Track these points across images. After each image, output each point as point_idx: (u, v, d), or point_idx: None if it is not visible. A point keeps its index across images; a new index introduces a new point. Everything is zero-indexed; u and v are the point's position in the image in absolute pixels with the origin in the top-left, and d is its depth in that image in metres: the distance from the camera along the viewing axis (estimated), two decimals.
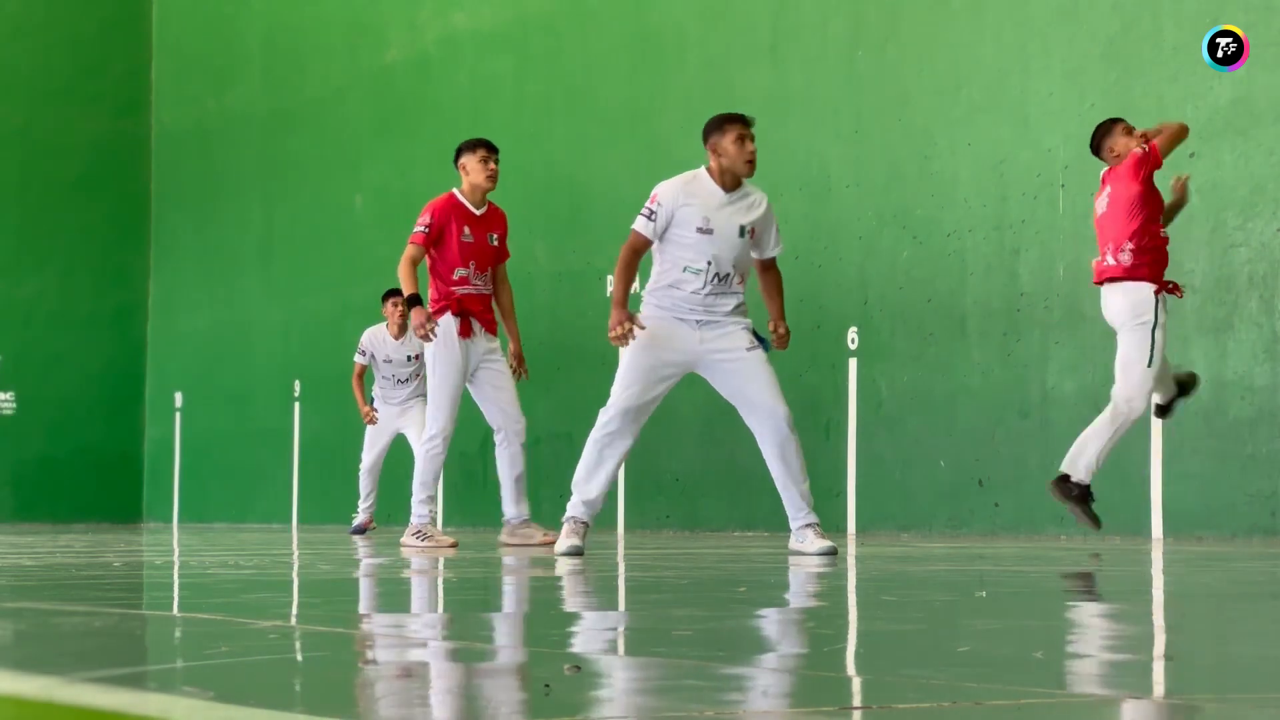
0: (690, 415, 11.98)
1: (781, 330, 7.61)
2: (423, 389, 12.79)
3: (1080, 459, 8.28)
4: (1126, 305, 8.20)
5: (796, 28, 12.00)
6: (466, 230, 8.97)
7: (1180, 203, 8.65)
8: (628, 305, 7.48)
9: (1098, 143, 8.54)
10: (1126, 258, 8.19)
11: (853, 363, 11.45)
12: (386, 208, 15.93)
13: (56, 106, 19.28)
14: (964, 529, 10.53)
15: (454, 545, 8.90)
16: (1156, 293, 8.19)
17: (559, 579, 5.87)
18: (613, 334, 7.41)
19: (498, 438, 9.17)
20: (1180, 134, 8.42)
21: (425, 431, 9.09)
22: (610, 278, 11.36)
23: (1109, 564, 6.94)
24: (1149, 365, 8.16)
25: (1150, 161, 8.23)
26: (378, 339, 12.64)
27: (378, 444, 12.84)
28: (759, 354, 7.48)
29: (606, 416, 7.50)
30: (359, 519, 12.99)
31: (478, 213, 9.02)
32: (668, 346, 7.43)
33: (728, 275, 7.43)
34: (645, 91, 13.09)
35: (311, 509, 16.56)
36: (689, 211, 7.39)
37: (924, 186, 11.08)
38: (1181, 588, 5.58)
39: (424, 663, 3.12)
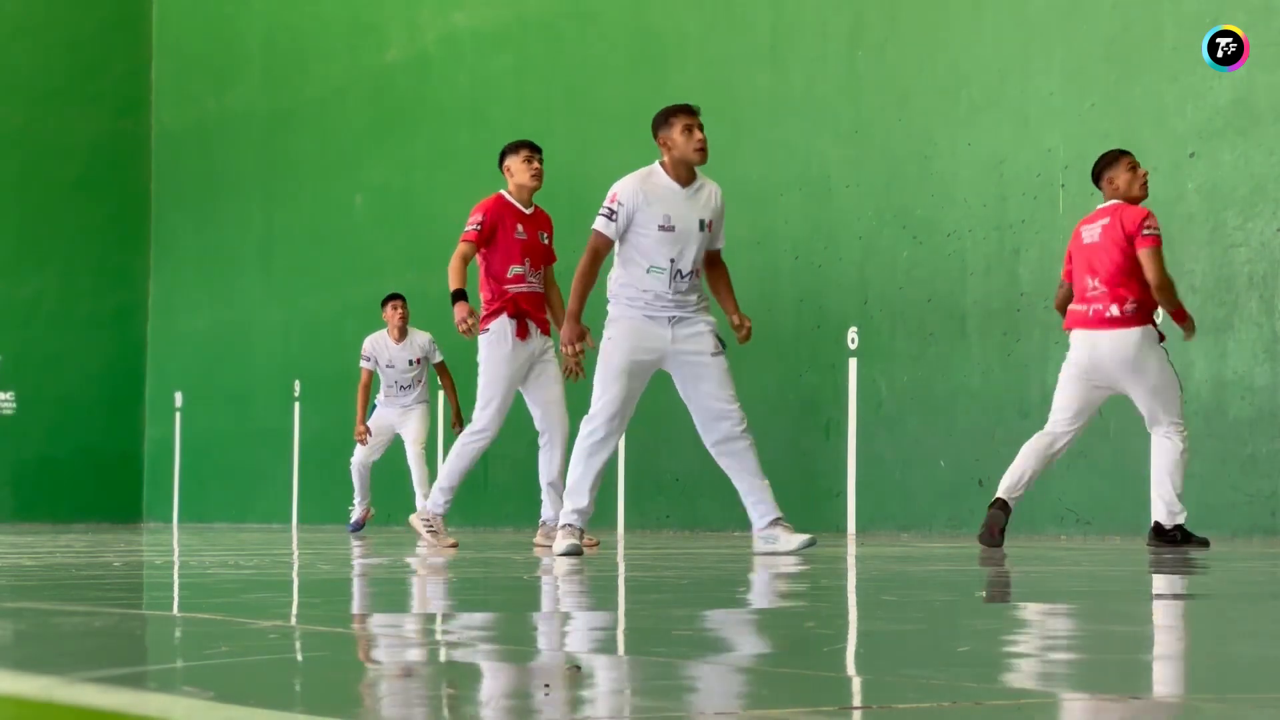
0: (690, 415, 11.96)
1: (747, 324, 7.62)
2: (425, 395, 12.78)
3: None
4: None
5: (796, 28, 12.00)
6: (519, 228, 8.91)
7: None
8: (582, 318, 7.45)
9: (1099, 172, 8.39)
10: (1130, 308, 8.13)
11: (853, 363, 11.44)
12: (386, 208, 15.94)
13: (56, 106, 19.29)
14: (964, 529, 10.53)
15: (454, 546, 8.86)
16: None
17: (559, 579, 5.87)
18: (565, 351, 7.44)
19: (541, 440, 9.06)
20: (1168, 305, 8.20)
21: (470, 426, 8.95)
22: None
23: (1109, 564, 6.94)
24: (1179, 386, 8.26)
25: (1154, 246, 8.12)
26: (379, 344, 12.60)
27: (374, 444, 12.80)
28: (722, 359, 7.48)
29: (592, 425, 7.41)
30: (356, 514, 12.92)
31: (527, 212, 8.98)
32: (641, 346, 7.39)
33: (690, 271, 7.42)
34: (645, 91, 13.08)
35: (311, 509, 16.56)
36: (650, 210, 7.34)
37: (924, 186, 11.07)
38: (1181, 588, 5.58)
39: (424, 663, 3.12)
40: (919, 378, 11.07)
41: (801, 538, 7.49)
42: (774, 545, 7.46)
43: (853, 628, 3.91)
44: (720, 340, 7.52)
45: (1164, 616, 4.31)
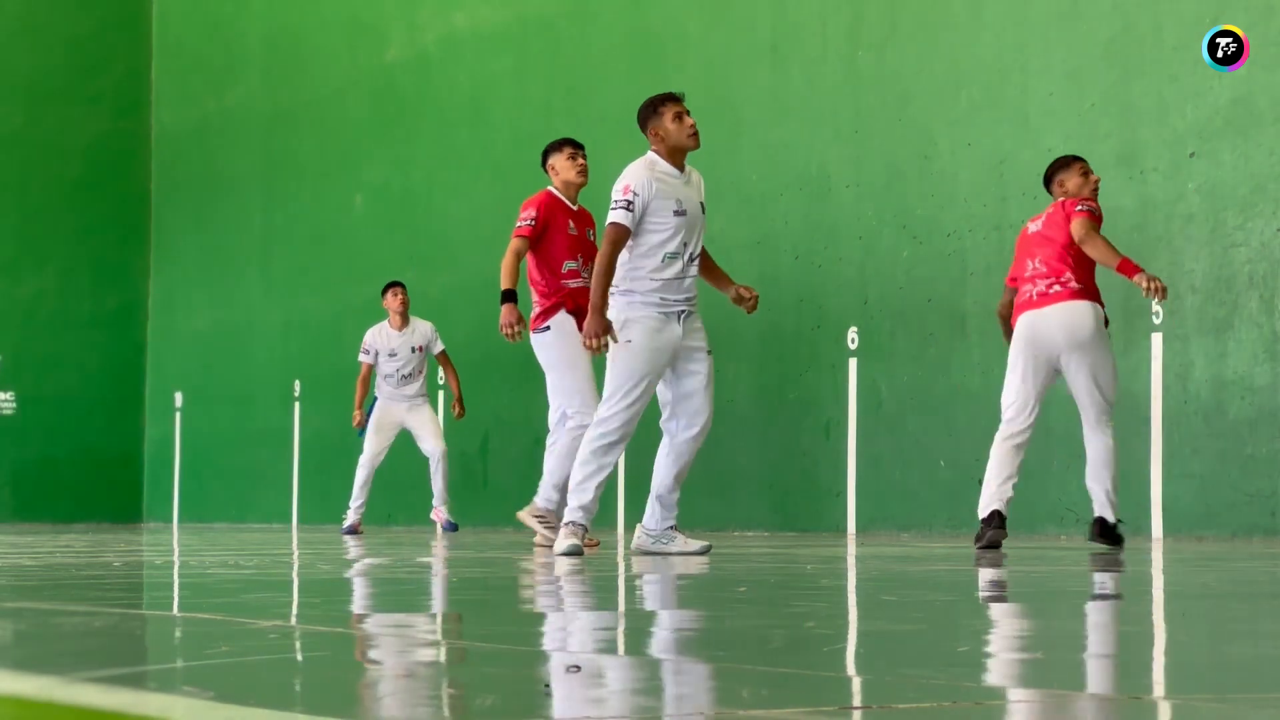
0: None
1: (754, 292, 7.61)
2: (426, 388, 12.75)
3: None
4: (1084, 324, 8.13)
5: (796, 28, 12.00)
6: (571, 224, 8.87)
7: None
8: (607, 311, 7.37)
9: (1051, 175, 8.37)
10: (1072, 284, 8.10)
11: (853, 363, 11.45)
12: (386, 208, 15.94)
13: (56, 106, 19.29)
14: (964, 529, 10.52)
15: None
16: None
17: (560, 579, 5.87)
18: (589, 344, 7.31)
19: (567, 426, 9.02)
20: (1107, 258, 8.10)
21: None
22: None
23: (1109, 564, 6.94)
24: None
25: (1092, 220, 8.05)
26: (380, 335, 12.60)
27: (383, 439, 12.71)
28: (711, 359, 7.49)
29: (607, 426, 7.36)
30: (350, 519, 12.79)
31: (574, 208, 8.95)
32: (661, 349, 7.36)
33: (697, 256, 7.45)
34: (645, 91, 13.03)
35: (311, 509, 16.56)
36: (662, 198, 7.36)
37: (924, 186, 11.08)
38: (1181, 588, 5.58)
39: (424, 663, 3.12)
40: (919, 378, 11.07)
41: (701, 543, 7.56)
42: (669, 546, 7.47)
43: (853, 628, 3.91)
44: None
45: (1164, 616, 4.31)
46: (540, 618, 4.30)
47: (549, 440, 8.92)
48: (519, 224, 8.73)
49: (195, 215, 18.78)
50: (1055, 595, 5.15)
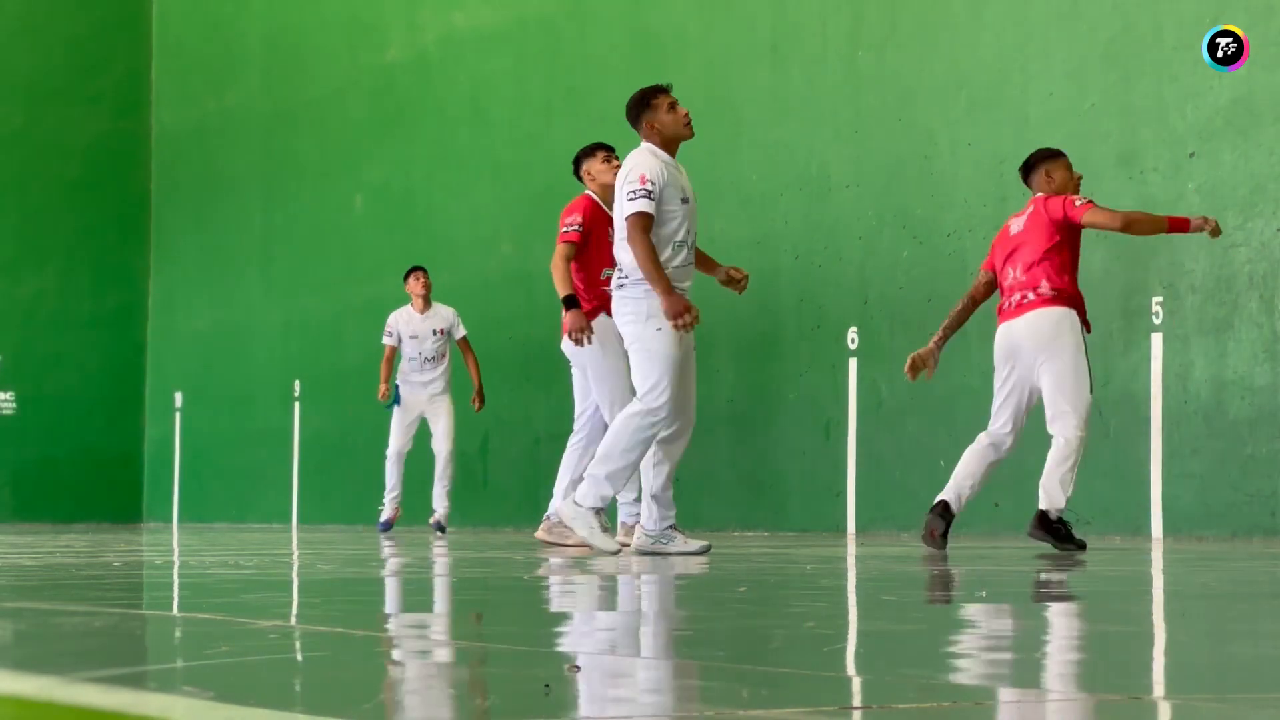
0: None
1: (744, 272, 7.65)
2: (449, 380, 12.67)
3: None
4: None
5: (796, 28, 12.00)
6: (610, 230, 8.86)
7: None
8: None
9: (1035, 164, 8.16)
10: (1046, 291, 8.03)
11: (853, 363, 11.44)
12: (386, 208, 15.93)
13: (56, 106, 19.28)
14: (964, 529, 10.52)
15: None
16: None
17: (560, 580, 5.87)
18: (681, 322, 7.17)
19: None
20: (1156, 226, 8.10)
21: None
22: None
23: (1109, 564, 6.94)
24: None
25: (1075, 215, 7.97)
26: (402, 317, 12.61)
27: (405, 428, 12.63)
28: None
29: (657, 417, 7.26)
30: (386, 513, 12.69)
31: (611, 213, 8.95)
32: (685, 337, 7.37)
33: (694, 243, 7.50)
34: None
35: (311, 509, 16.56)
36: (671, 186, 7.37)
37: (924, 186, 11.08)
38: (1180, 588, 5.58)
39: (424, 662, 3.12)
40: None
41: (701, 542, 7.55)
42: (668, 545, 7.45)
43: (852, 628, 3.91)
44: None
45: (1164, 616, 4.31)
46: (540, 618, 4.30)
47: (572, 440, 8.93)
48: (564, 229, 8.75)
49: (195, 215, 18.78)
50: (1055, 595, 5.15)
